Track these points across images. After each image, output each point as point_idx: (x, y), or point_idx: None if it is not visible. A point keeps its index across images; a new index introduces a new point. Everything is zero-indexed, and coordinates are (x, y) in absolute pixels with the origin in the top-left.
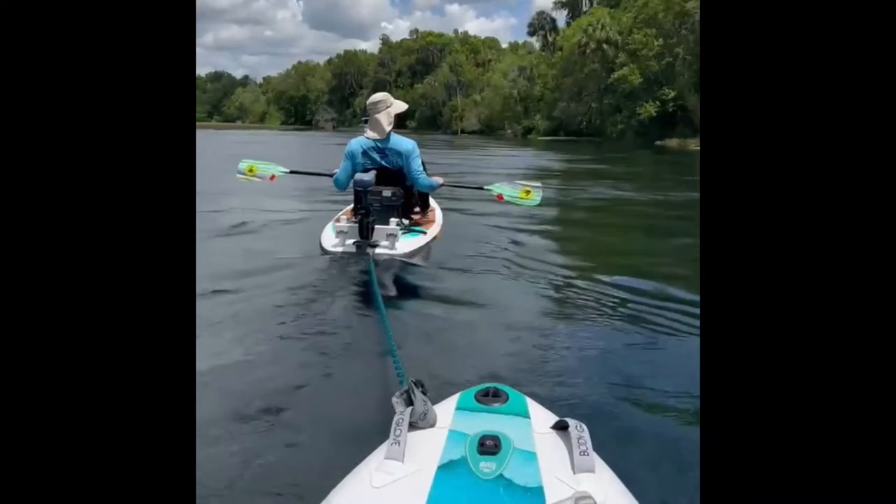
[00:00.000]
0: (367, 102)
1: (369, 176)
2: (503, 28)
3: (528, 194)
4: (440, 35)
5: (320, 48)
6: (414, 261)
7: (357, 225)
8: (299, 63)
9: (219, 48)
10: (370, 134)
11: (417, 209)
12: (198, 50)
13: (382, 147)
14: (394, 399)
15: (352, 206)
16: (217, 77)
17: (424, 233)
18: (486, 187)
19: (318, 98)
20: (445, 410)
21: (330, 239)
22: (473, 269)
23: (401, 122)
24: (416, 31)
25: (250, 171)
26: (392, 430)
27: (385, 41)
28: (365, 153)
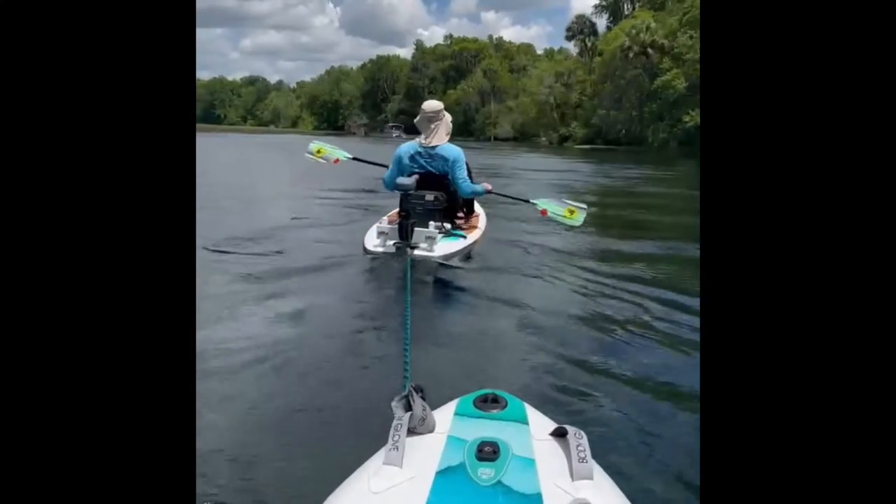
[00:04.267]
0: (427, 110)
1: (410, 180)
2: (539, 35)
3: (571, 214)
4: (474, 41)
5: (356, 54)
6: (450, 263)
7: (398, 227)
8: (333, 68)
9: (256, 53)
10: (426, 142)
11: (461, 214)
12: (235, 55)
13: (430, 153)
14: (393, 403)
15: (397, 209)
16: (251, 81)
17: (464, 237)
18: (532, 201)
19: (350, 103)
20: (444, 416)
21: (372, 240)
22: (507, 275)
23: None
24: (451, 36)
25: (318, 152)
26: (391, 434)
27: (419, 46)
28: (412, 158)
